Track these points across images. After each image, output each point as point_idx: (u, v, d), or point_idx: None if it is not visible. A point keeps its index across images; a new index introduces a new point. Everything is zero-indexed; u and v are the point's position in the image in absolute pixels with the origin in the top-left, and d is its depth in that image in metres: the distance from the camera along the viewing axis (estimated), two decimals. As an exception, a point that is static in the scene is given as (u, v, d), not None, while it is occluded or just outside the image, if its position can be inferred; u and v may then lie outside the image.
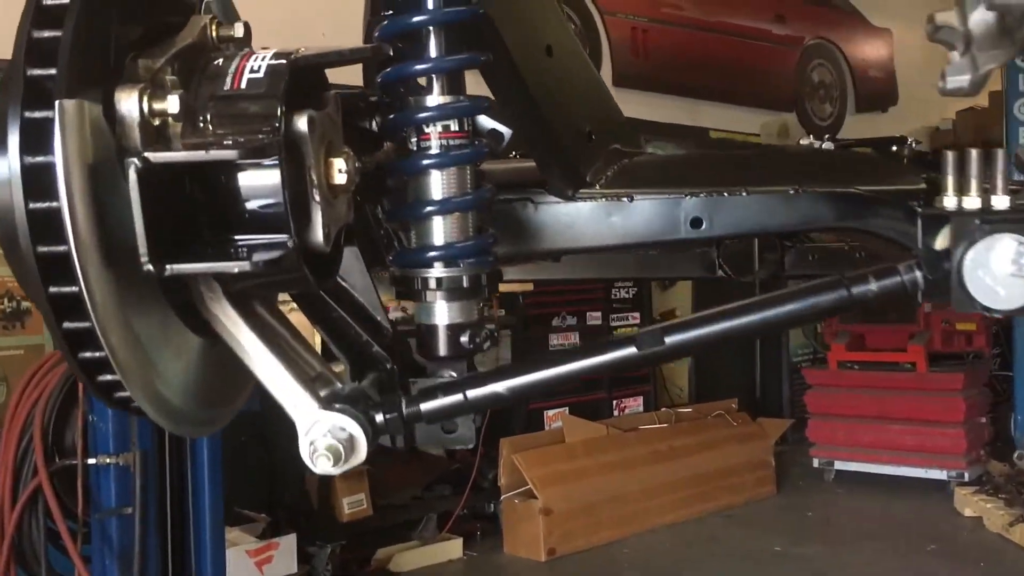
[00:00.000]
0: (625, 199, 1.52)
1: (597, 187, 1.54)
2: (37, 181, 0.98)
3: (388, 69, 1.32)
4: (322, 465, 1.13)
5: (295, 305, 1.33)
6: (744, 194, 1.50)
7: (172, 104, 1.03)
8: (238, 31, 1.19)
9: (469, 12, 1.32)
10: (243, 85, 1.09)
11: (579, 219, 1.55)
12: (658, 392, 8.05)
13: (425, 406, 1.21)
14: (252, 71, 1.10)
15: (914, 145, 3.79)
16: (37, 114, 0.98)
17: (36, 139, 0.98)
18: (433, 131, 1.30)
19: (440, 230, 1.31)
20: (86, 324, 0.99)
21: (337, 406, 1.16)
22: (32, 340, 5.17)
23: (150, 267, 1.00)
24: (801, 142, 4.31)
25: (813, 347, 9.39)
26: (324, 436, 1.13)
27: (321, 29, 5.95)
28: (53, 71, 0.98)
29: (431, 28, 1.30)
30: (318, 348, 1.33)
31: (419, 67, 1.31)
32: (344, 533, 5.69)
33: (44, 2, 1.02)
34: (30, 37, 1.00)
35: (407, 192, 1.33)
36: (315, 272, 1.13)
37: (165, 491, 4.07)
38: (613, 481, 6.53)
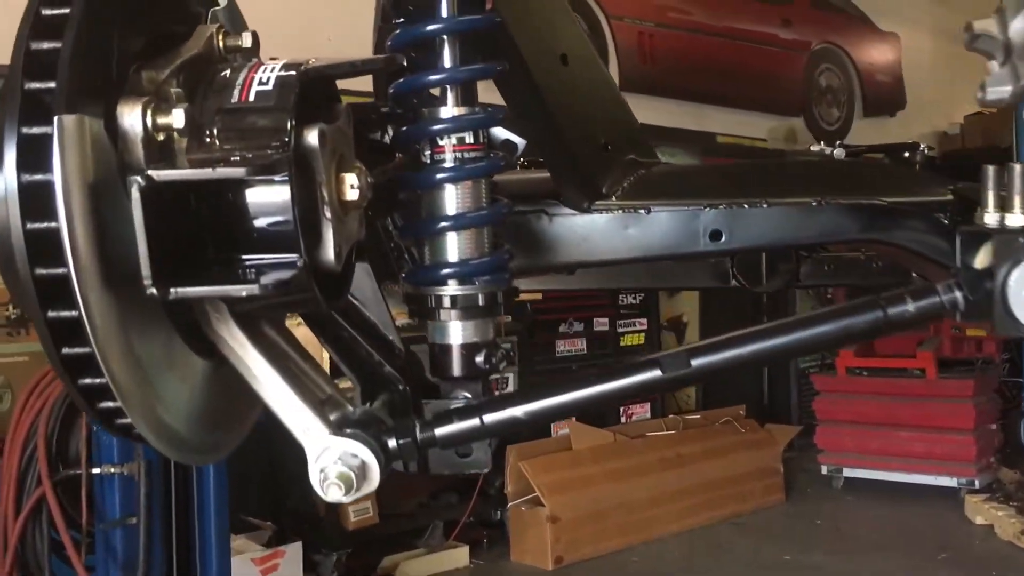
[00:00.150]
0: (642, 211, 1.49)
1: (613, 198, 1.50)
2: (35, 200, 0.93)
3: (401, 79, 1.28)
4: (333, 494, 1.08)
5: (301, 319, 1.28)
6: (765, 206, 1.46)
7: (177, 118, 0.98)
8: (246, 41, 1.14)
9: (486, 20, 1.27)
10: (251, 98, 1.04)
11: (594, 231, 1.52)
12: (665, 398, 7.99)
13: (440, 431, 1.16)
14: (261, 83, 1.05)
15: (926, 151, 3.74)
16: (35, 130, 0.93)
17: (34, 156, 0.93)
18: (447, 144, 1.26)
19: (454, 246, 1.26)
20: (86, 349, 0.95)
21: (348, 431, 1.12)
22: (37, 347, 5.10)
23: (153, 291, 0.95)
24: (812, 148, 4.27)
25: (821, 353, 9.33)
26: (335, 463, 1.09)
27: (327, 34, 5.92)
28: (52, 84, 0.94)
29: (445, 37, 1.26)
30: (326, 365, 1.29)
31: (434, 78, 1.26)
32: (350, 541, 5.64)
33: (43, 11, 0.97)
34: (28, 48, 0.96)
35: (420, 206, 1.28)
36: (326, 292, 1.08)
37: (170, 500, 4.04)
38: (621, 488, 6.48)
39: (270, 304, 1.08)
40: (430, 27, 1.26)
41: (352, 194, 1.09)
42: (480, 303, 1.26)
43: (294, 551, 5.27)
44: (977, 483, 7.21)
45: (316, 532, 5.52)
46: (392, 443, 1.15)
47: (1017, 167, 1.16)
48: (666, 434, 7.04)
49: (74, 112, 0.92)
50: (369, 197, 1.12)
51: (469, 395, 1.25)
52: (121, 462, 3.80)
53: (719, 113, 9.11)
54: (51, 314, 0.95)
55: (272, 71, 1.07)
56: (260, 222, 1.01)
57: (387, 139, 1.32)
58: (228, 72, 1.08)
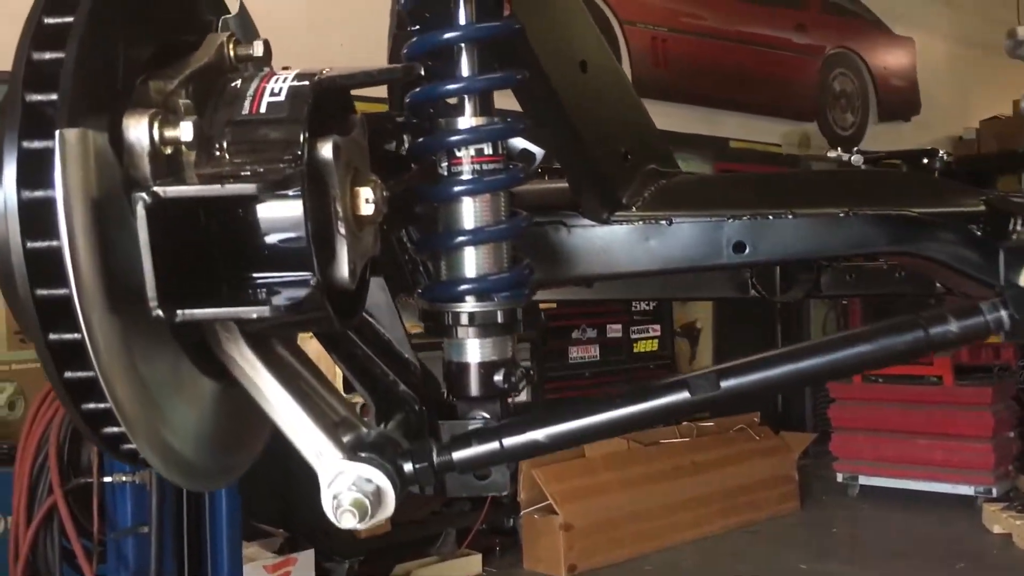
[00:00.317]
0: (663, 222, 1.45)
1: (633, 209, 1.47)
2: (36, 218, 0.89)
3: (418, 89, 1.23)
4: (347, 521, 1.04)
5: (314, 335, 1.24)
6: (790, 217, 1.42)
7: (185, 131, 0.94)
8: (257, 50, 1.10)
9: (505, 27, 1.23)
10: (262, 109, 1.00)
11: (614, 243, 1.48)
12: (679, 405, 7.91)
13: (457, 455, 1.12)
14: (272, 94, 1.01)
15: (945, 158, 3.69)
16: (36, 144, 0.89)
17: (35, 172, 0.89)
18: (465, 155, 1.22)
19: (472, 261, 1.22)
20: (89, 373, 0.90)
21: (363, 455, 1.07)
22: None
23: (159, 313, 0.91)
24: (828, 154, 4.21)
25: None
26: (349, 489, 1.04)
27: (339, 39, 5.89)
28: (54, 96, 0.89)
29: (463, 45, 1.22)
30: (339, 382, 1.25)
31: (452, 87, 1.22)
32: (362, 548, 5.62)
33: (45, 20, 0.93)
34: (29, 59, 0.91)
35: (437, 220, 1.24)
36: (340, 310, 1.04)
37: (181, 509, 4.01)
38: (634, 496, 6.44)
39: (282, 323, 1.04)
40: (448, 35, 1.22)
41: (367, 209, 1.05)
42: (499, 320, 1.22)
43: (306, 559, 5.25)
44: (995, 491, 7.16)
45: (328, 539, 5.49)
46: (408, 467, 1.11)
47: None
48: (680, 441, 6.99)
49: (77, 125, 0.88)
50: (385, 211, 1.08)
51: (487, 415, 1.21)
52: (133, 471, 3.78)
53: (732, 118, 9.08)
54: (52, 337, 0.91)
55: (285, 81, 1.02)
56: (271, 239, 0.97)
57: (403, 150, 1.27)
58: (239, 82, 1.04)
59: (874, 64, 10.48)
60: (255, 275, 0.99)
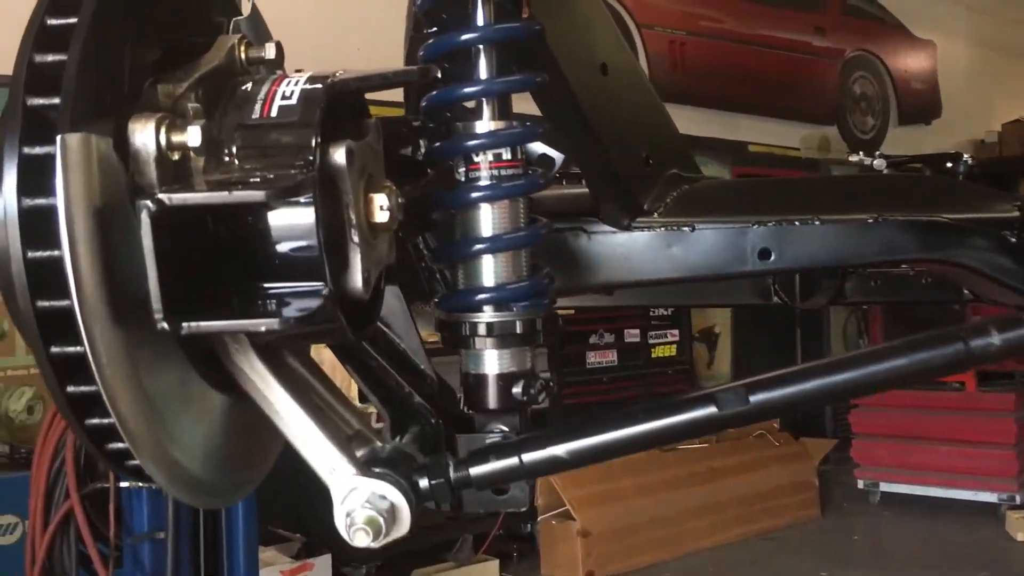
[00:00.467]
0: (686, 228, 1.43)
1: (655, 215, 1.44)
2: (36, 226, 0.85)
3: (434, 92, 1.20)
4: (360, 540, 1.00)
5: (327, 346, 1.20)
6: (817, 223, 1.39)
7: (192, 136, 0.90)
8: (269, 52, 1.06)
9: (524, 29, 1.20)
10: (273, 113, 0.96)
11: (635, 250, 1.45)
12: (698, 411, 7.87)
13: (475, 470, 1.08)
14: (284, 97, 0.97)
15: (969, 162, 3.63)
16: (37, 150, 0.86)
17: (36, 178, 0.85)
18: (483, 160, 1.18)
19: (490, 270, 1.18)
20: (92, 388, 0.87)
21: (376, 470, 1.04)
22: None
23: (164, 325, 0.87)
24: (850, 158, 4.17)
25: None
26: (363, 507, 1.01)
27: (355, 44, 5.87)
28: (56, 100, 0.86)
29: (481, 46, 1.18)
30: (355, 392, 1.21)
31: (469, 90, 1.18)
32: (379, 554, 5.59)
33: (48, 21, 0.90)
34: (31, 61, 0.88)
35: (453, 227, 1.20)
36: (353, 321, 1.00)
37: (198, 514, 4.00)
38: (652, 502, 6.41)
39: (293, 334, 1.00)
40: (465, 36, 1.18)
41: (382, 216, 1.01)
42: (518, 330, 1.18)
43: (323, 564, 5.24)
44: (1018, 499, 7.09)
45: (345, 545, 5.45)
46: (423, 483, 1.07)
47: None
48: (699, 447, 6.93)
49: (80, 130, 0.85)
50: (400, 218, 1.05)
51: (506, 428, 1.17)
52: (148, 477, 3.74)
53: (751, 122, 9.04)
54: (54, 350, 0.88)
55: (297, 84, 0.99)
56: (282, 248, 0.93)
57: (419, 155, 1.24)
58: (250, 85, 1.00)
59: (894, 67, 10.41)
60: (265, 285, 0.95)
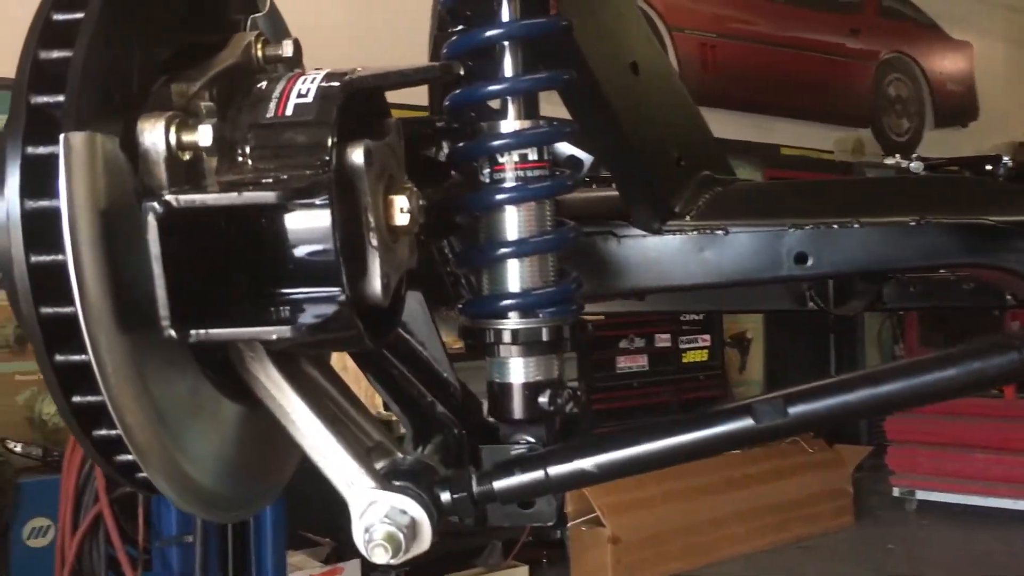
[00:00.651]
0: (719, 231, 1.39)
1: (687, 218, 1.40)
2: (40, 229, 0.82)
3: (458, 90, 1.16)
4: (379, 556, 0.96)
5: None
6: (856, 226, 1.35)
7: (203, 135, 0.87)
8: (286, 49, 1.03)
9: (552, 24, 1.15)
10: (289, 111, 0.93)
11: (667, 254, 1.41)
12: (729, 417, 7.79)
13: (499, 484, 1.04)
14: (300, 95, 0.94)
15: (1009, 164, 3.55)
16: (41, 149, 0.82)
17: (40, 179, 0.82)
18: (508, 161, 1.13)
19: (516, 275, 1.13)
20: (98, 398, 0.83)
21: (397, 483, 1.00)
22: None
23: (172, 333, 0.83)
24: (886, 161, 4.09)
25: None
26: (382, 522, 0.97)
27: (381, 47, 5.86)
28: (61, 98, 0.83)
29: (507, 43, 1.14)
30: (379, 401, 1.17)
31: (494, 88, 1.14)
32: (408, 560, 5.57)
33: (54, 16, 0.87)
34: (36, 58, 0.85)
35: (478, 231, 1.16)
36: (372, 328, 0.96)
37: (226, 518, 3.99)
38: (684, 509, 6.35)
39: (310, 342, 0.96)
40: (490, 32, 1.14)
41: (402, 219, 0.97)
42: (544, 338, 1.13)
43: (352, 568, 5.23)
44: (1058, 508, 6.95)
45: (373, 551, 5.45)
46: (445, 496, 1.03)
47: None
48: (731, 453, 6.86)
49: (85, 129, 0.81)
50: (421, 221, 1.00)
51: (532, 439, 1.13)
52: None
53: (783, 124, 8.97)
54: (59, 358, 0.84)
55: (313, 82, 0.95)
56: (296, 252, 0.90)
57: (442, 156, 1.20)
58: (265, 84, 0.97)
59: (930, 69, 10.29)
60: (279, 291, 0.91)
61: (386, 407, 1.17)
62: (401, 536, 0.97)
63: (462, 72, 1.10)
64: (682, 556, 6.31)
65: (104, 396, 0.82)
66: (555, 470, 1.02)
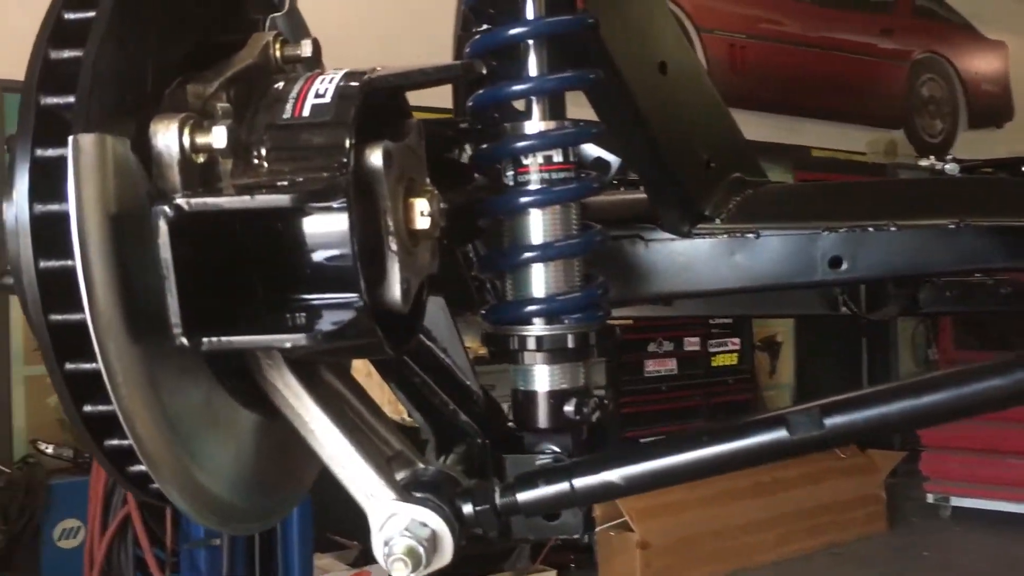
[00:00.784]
0: (750, 235, 1.36)
1: (717, 221, 1.39)
2: (49, 234, 0.80)
3: (481, 91, 1.13)
4: (399, 571, 0.93)
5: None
6: (893, 229, 1.32)
7: (217, 137, 0.84)
8: (305, 49, 1.00)
9: (577, 22, 1.12)
10: (306, 112, 0.90)
11: (697, 258, 1.39)
12: (760, 421, 7.73)
13: (523, 496, 1.01)
14: (318, 95, 0.91)
15: (1048, 166, 3.47)
16: (50, 152, 0.80)
17: (49, 183, 0.80)
18: (533, 163, 1.11)
19: (541, 280, 1.11)
20: (110, 408, 0.81)
21: (418, 495, 0.97)
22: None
23: (183, 341, 0.81)
24: (920, 163, 4.03)
25: (926, 375, 8.96)
26: (402, 535, 0.94)
27: (411, 52, 5.84)
28: (72, 99, 0.81)
29: (531, 41, 1.11)
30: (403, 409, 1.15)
31: (518, 88, 1.11)
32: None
33: (65, 15, 0.85)
34: (47, 57, 0.83)
35: (502, 234, 1.13)
36: (392, 335, 0.93)
37: (254, 521, 3.98)
38: (714, 514, 6.29)
39: (328, 350, 0.94)
40: (514, 30, 1.11)
41: (422, 222, 0.94)
42: (570, 344, 1.10)
43: (380, 571, 5.18)
44: (1096, 516, 6.83)
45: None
46: (468, 509, 1.00)
47: None
48: (761, 458, 6.80)
49: (96, 130, 0.79)
50: (442, 225, 0.98)
51: (557, 449, 1.10)
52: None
53: (814, 126, 8.90)
54: (69, 366, 0.82)
55: (331, 82, 0.92)
56: (313, 257, 0.87)
57: (465, 158, 1.17)
58: (282, 84, 0.94)
59: (964, 69, 10.17)
60: (295, 297, 0.89)
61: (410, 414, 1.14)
62: (421, 550, 0.94)
63: (484, 71, 1.08)
64: (711, 561, 6.25)
65: (114, 405, 0.80)
66: (581, 482, 0.99)
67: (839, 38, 9.11)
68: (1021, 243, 1.30)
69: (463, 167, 1.17)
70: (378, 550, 0.95)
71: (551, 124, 1.12)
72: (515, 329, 1.11)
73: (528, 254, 1.11)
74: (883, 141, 9.39)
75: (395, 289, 0.91)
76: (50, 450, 5.01)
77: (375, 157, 0.89)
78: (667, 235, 1.37)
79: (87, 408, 0.84)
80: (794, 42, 8.76)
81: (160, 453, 0.83)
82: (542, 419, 1.11)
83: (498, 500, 1.01)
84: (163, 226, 0.79)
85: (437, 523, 0.96)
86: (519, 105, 1.14)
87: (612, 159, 1.45)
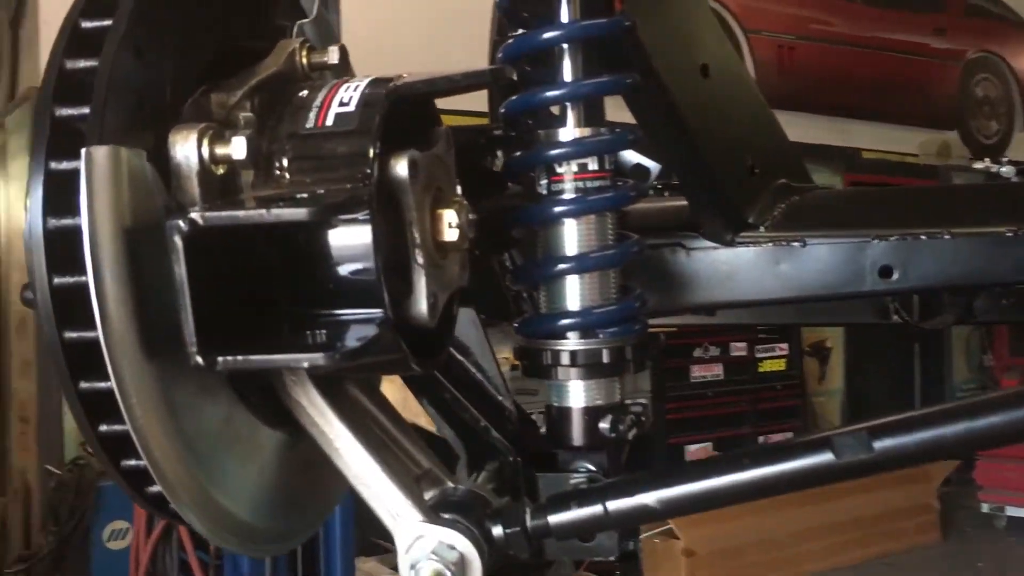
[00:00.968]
0: (796, 243, 1.32)
1: (762, 229, 1.35)
2: (62, 249, 0.78)
3: (514, 97, 1.09)
4: (425, 595, 0.90)
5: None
6: (947, 237, 1.27)
7: (237, 148, 0.82)
8: (332, 57, 0.98)
9: (614, 24, 1.09)
10: (329, 121, 0.87)
11: (740, 267, 1.35)
12: (808, 428, 7.64)
13: (554, 518, 0.97)
14: (342, 103, 0.88)
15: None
16: (65, 164, 0.78)
17: (63, 196, 0.78)
18: (567, 171, 1.07)
19: (575, 292, 1.07)
20: (124, 428, 0.79)
21: (445, 516, 0.93)
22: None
23: (199, 360, 0.78)
24: (974, 165, 3.94)
25: (980, 382, 8.78)
26: (428, 558, 0.90)
27: (458, 59, 5.82)
28: (87, 110, 0.78)
29: (566, 45, 1.07)
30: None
31: (552, 93, 1.07)
32: (479, 570, 5.53)
33: (82, 24, 0.82)
34: (62, 67, 0.81)
35: (535, 245, 1.09)
36: (419, 350, 0.90)
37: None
38: (761, 523, 6.20)
39: (351, 367, 0.91)
40: (548, 34, 1.07)
41: (451, 234, 0.91)
42: (605, 359, 1.06)
43: None
44: None
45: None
46: (497, 531, 0.96)
47: None
48: (810, 466, 6.70)
49: (111, 142, 0.77)
50: (471, 236, 0.94)
51: (592, 467, 1.06)
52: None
53: (865, 128, 8.78)
54: (84, 385, 0.80)
55: (356, 89, 0.89)
56: (336, 271, 0.84)
57: (498, 166, 1.14)
58: (307, 92, 0.92)
59: (1020, 68, 9.95)
60: (317, 312, 0.86)
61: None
62: (449, 574, 0.90)
63: (514, 76, 1.04)
64: (759, 571, 6.18)
65: (128, 426, 0.77)
66: (615, 505, 0.95)
67: (890, 38, 8.97)
68: None
69: (496, 175, 1.14)
70: (404, 573, 0.92)
71: (586, 131, 1.08)
72: (548, 343, 1.07)
73: (562, 266, 1.07)
74: (936, 143, 9.22)
75: (422, 304, 0.88)
76: (99, 453, 5.06)
77: (400, 167, 0.86)
78: (709, 243, 1.34)
79: (103, 428, 0.81)
80: (843, 42, 8.64)
81: (176, 475, 0.81)
82: (576, 437, 1.07)
83: (529, 522, 0.97)
84: (177, 241, 0.77)
85: (465, 546, 0.92)
86: (554, 111, 1.11)
87: (652, 165, 1.41)
